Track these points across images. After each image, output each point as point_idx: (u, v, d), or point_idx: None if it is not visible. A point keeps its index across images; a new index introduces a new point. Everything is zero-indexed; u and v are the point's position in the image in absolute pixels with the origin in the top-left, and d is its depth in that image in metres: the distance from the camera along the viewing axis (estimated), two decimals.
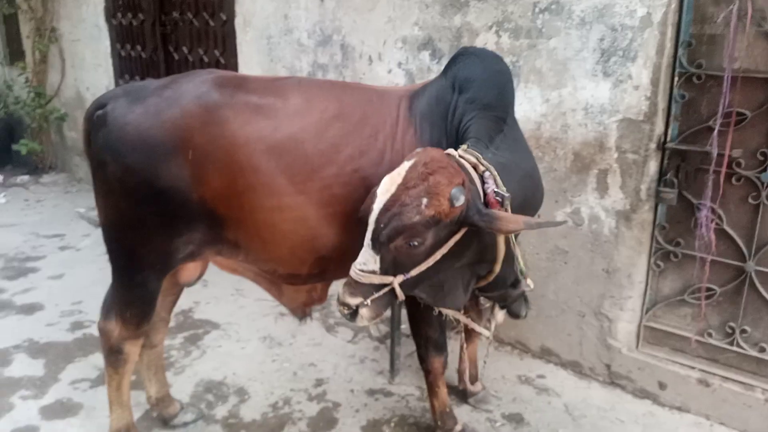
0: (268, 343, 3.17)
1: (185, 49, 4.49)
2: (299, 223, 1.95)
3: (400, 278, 1.72)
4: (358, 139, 1.95)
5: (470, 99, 1.95)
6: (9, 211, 5.38)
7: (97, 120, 1.92)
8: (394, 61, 3.17)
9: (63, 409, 2.61)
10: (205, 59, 4.31)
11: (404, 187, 1.67)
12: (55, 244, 4.56)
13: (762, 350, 2.43)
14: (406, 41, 3.09)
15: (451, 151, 1.83)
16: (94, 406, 2.61)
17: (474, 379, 2.66)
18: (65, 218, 5.20)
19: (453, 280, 1.93)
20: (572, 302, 2.81)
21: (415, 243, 1.67)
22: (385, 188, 1.71)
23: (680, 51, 2.37)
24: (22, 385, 2.76)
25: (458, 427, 2.35)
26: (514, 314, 2.28)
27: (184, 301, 3.51)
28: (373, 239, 1.70)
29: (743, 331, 2.46)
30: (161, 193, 1.86)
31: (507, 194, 1.75)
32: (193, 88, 1.91)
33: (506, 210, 1.76)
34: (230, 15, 4.01)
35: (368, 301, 1.73)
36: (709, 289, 2.50)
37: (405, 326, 2.72)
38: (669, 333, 2.66)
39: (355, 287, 1.73)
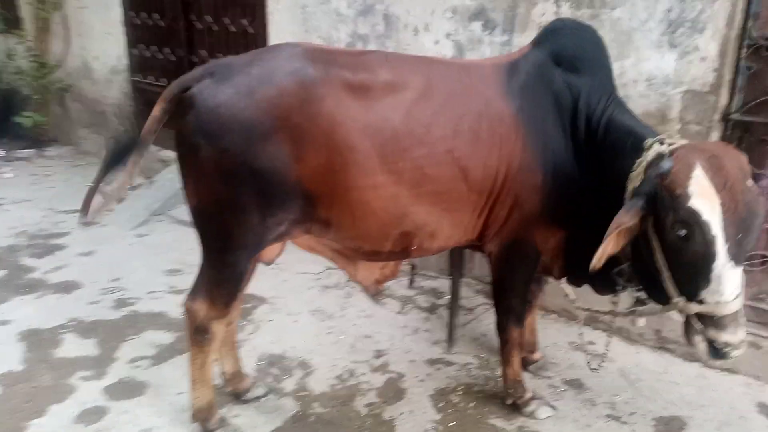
0: (318, 315, 3.19)
1: (209, 18, 4.30)
2: (390, 201, 1.96)
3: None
4: (449, 119, 1.94)
5: (596, 84, 1.97)
6: (18, 186, 5.22)
7: (183, 102, 1.87)
8: (442, 32, 3.12)
9: (128, 389, 2.57)
10: (232, 29, 4.14)
11: (729, 186, 1.54)
12: (77, 220, 4.46)
13: None
14: (456, 11, 3.04)
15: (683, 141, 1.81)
16: (160, 384, 2.58)
17: (534, 348, 2.73)
18: (79, 193, 5.00)
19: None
20: None
21: None
22: (705, 198, 1.54)
23: (750, 22, 2.38)
24: (79, 366, 2.71)
25: (528, 395, 2.43)
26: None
27: None
28: (736, 256, 1.55)
29: None
30: (259, 175, 1.84)
31: None
32: (285, 64, 1.86)
33: None
34: None
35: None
36: (763, 256, 2.59)
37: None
38: None
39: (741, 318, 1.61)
